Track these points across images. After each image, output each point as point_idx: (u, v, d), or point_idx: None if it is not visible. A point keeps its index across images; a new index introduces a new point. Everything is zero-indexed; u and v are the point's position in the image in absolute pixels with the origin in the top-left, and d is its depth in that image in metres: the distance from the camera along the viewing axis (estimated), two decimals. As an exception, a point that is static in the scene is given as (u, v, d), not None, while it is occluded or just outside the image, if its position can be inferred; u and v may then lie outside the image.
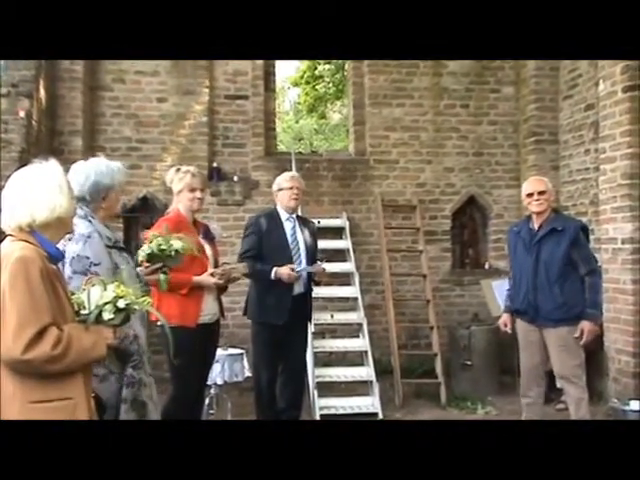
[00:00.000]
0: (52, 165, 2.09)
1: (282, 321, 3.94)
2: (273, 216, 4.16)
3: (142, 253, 3.04)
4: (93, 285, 2.01)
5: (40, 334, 1.81)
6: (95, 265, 2.51)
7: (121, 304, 1.99)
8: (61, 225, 2.04)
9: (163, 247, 3.02)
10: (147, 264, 3.04)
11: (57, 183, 2.02)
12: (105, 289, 2.00)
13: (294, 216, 4.20)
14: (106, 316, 1.98)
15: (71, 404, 1.90)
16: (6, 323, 1.80)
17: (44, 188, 1.98)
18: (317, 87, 14.82)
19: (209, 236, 3.74)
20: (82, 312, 1.99)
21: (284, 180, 4.16)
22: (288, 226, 4.13)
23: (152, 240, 3.06)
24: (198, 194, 3.58)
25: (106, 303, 1.98)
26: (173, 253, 3.03)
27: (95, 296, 1.98)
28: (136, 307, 2.04)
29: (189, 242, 3.15)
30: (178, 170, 3.66)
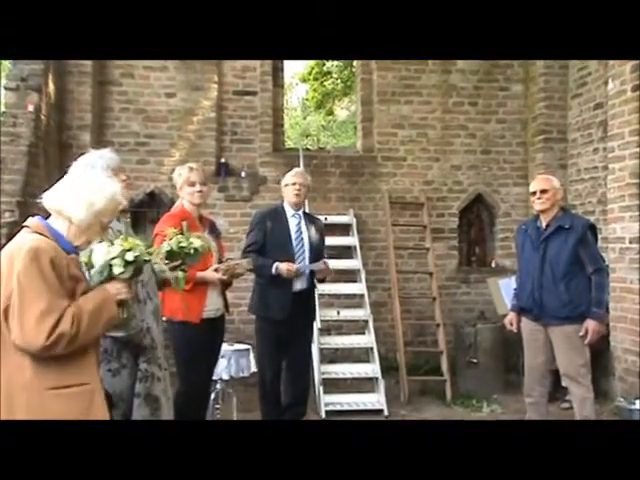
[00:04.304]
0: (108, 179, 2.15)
1: (283, 317, 3.95)
2: (278, 212, 4.17)
3: (161, 250, 3.03)
4: (99, 242, 2.03)
5: (59, 319, 1.84)
6: None
7: (129, 257, 1.99)
8: (84, 233, 2.04)
9: (183, 245, 3.01)
10: (166, 261, 3.03)
11: (89, 199, 2.02)
12: (112, 244, 2.01)
13: (300, 212, 4.21)
14: (116, 270, 1.98)
15: (89, 389, 1.93)
16: (25, 314, 1.83)
17: (90, 191, 2.02)
18: (325, 83, 14.79)
19: (214, 232, 3.75)
20: (92, 271, 2.00)
21: (289, 176, 4.20)
22: (293, 222, 4.14)
23: (172, 237, 3.04)
24: (197, 187, 3.57)
25: (114, 257, 1.98)
26: (192, 251, 3.02)
27: (102, 252, 1.99)
28: (145, 258, 2.04)
29: (207, 241, 3.15)
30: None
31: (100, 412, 1.96)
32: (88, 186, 2.04)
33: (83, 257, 2.03)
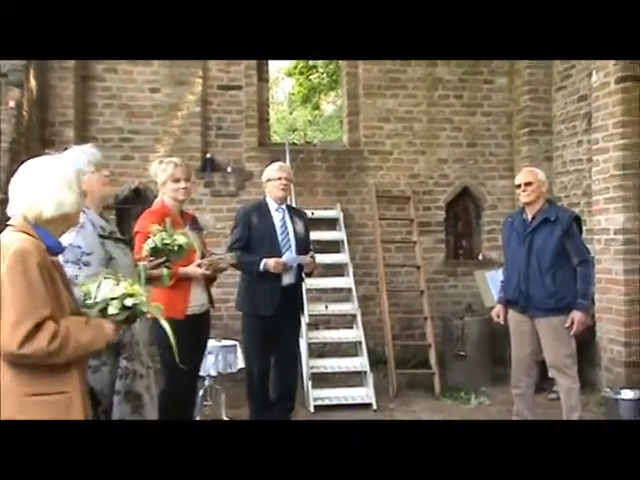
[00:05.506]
0: (64, 159, 2.07)
1: (270, 312, 3.93)
2: (262, 207, 4.14)
3: (146, 247, 3.01)
4: (106, 278, 2.00)
5: (37, 328, 1.80)
6: (87, 255, 2.50)
7: (128, 302, 1.97)
8: (67, 220, 2.03)
9: (167, 242, 2.99)
10: (151, 258, 3.01)
11: (67, 179, 2.00)
12: (117, 284, 1.99)
13: (284, 207, 4.18)
14: (111, 310, 1.96)
15: (66, 398, 1.89)
16: (4, 316, 1.79)
17: (53, 184, 1.97)
18: (311, 78, 14.74)
19: (196, 227, 3.71)
20: (88, 301, 1.97)
21: (272, 171, 4.14)
22: (277, 217, 4.11)
23: (156, 234, 3.02)
24: (182, 184, 3.53)
25: (114, 298, 1.96)
26: (176, 248, 3.01)
27: (105, 289, 1.97)
28: (144, 309, 2.02)
29: (192, 237, 3.13)
30: (161, 162, 3.64)
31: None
32: (36, 176, 1.98)
33: (84, 287, 2.00)
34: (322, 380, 5.43)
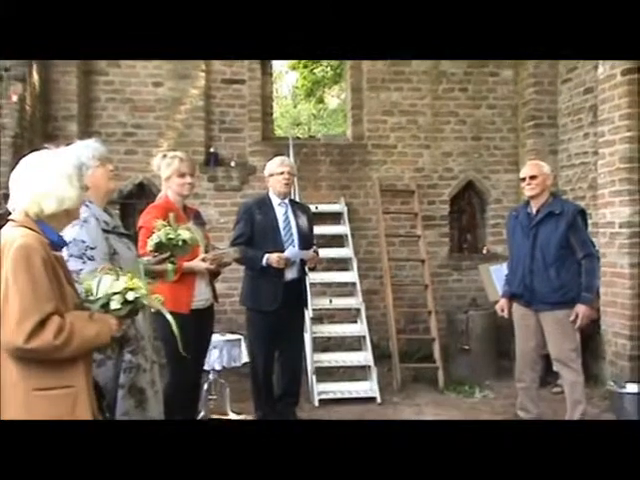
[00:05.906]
0: (63, 154, 2.07)
1: (274, 307, 3.93)
2: (265, 201, 4.14)
3: (150, 242, 3.02)
4: (106, 273, 2.00)
5: (42, 323, 1.80)
6: (91, 249, 2.50)
7: (130, 296, 1.97)
8: (68, 215, 2.03)
9: (171, 237, 2.99)
10: (155, 253, 3.01)
11: (67, 174, 1.99)
12: (117, 279, 1.99)
13: (287, 201, 4.18)
14: (113, 305, 1.97)
15: (73, 392, 1.90)
16: (9, 311, 1.80)
17: (54, 180, 1.96)
18: (315, 71, 14.69)
19: (199, 221, 3.72)
20: (90, 298, 1.98)
21: (275, 165, 4.13)
22: (280, 211, 4.11)
23: (160, 229, 3.02)
24: (188, 179, 3.54)
25: (115, 293, 1.97)
26: (181, 243, 3.01)
27: (105, 284, 1.97)
28: (145, 302, 2.02)
29: (196, 232, 3.13)
30: (165, 156, 3.63)
31: (84, 415, 1.93)
32: (36, 172, 1.97)
33: (85, 283, 2.01)
34: (326, 374, 5.44)
